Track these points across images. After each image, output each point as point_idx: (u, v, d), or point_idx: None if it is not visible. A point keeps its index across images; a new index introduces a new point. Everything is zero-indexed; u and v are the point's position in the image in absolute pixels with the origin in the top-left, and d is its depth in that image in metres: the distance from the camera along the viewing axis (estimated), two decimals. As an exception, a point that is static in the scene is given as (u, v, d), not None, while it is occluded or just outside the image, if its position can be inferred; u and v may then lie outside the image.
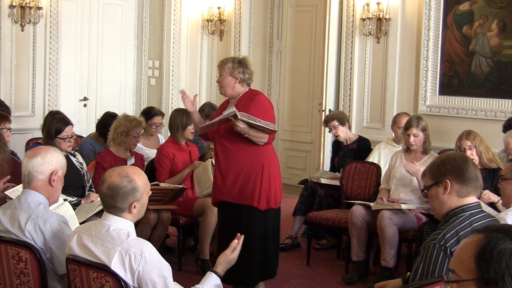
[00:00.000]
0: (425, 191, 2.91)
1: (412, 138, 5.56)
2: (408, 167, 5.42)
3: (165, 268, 2.84)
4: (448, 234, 2.73)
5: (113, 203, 2.89)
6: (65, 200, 4.14)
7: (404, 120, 6.03)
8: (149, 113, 6.51)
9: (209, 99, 8.89)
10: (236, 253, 3.21)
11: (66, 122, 5.23)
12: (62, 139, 5.12)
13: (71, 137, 5.18)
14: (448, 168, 2.81)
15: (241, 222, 4.73)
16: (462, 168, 2.80)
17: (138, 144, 6.02)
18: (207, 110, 6.71)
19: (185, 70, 8.98)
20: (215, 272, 3.12)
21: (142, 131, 5.87)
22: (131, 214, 2.93)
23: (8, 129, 5.46)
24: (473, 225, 2.74)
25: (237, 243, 3.22)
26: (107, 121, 6.28)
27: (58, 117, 5.35)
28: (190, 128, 5.92)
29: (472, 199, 2.83)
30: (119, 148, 5.68)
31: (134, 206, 2.91)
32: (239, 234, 3.29)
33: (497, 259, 1.66)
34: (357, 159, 6.40)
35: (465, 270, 1.70)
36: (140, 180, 2.94)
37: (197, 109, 7.01)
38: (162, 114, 6.74)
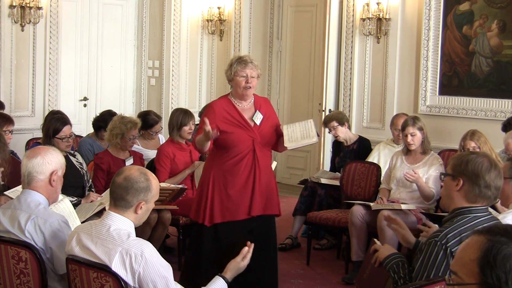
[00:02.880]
0: (442, 176, 2.96)
1: (409, 138, 5.55)
2: (407, 175, 5.38)
3: (166, 269, 2.84)
4: (451, 234, 2.74)
5: (124, 195, 2.90)
6: (64, 200, 4.14)
7: (401, 122, 6.03)
8: (147, 122, 6.42)
9: (209, 99, 8.89)
10: (246, 261, 3.21)
11: (64, 122, 5.22)
12: (60, 139, 5.12)
13: (69, 137, 5.17)
14: (467, 169, 2.82)
15: (269, 232, 4.61)
16: (479, 175, 2.80)
17: (137, 146, 6.01)
18: None
19: (185, 70, 8.98)
20: (223, 277, 3.12)
21: (138, 134, 5.85)
22: (135, 214, 2.94)
23: (10, 131, 5.45)
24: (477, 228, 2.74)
25: (247, 251, 3.22)
26: (105, 118, 6.29)
27: (56, 117, 5.34)
28: (186, 128, 5.91)
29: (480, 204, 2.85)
30: (117, 148, 5.68)
31: (141, 207, 2.93)
32: (249, 243, 3.27)
33: (501, 264, 1.65)
34: (358, 160, 6.40)
35: (467, 273, 1.70)
36: (154, 183, 2.98)
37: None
38: (160, 118, 6.72)
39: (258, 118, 4.55)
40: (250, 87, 4.50)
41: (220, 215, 4.48)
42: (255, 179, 4.47)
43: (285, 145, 4.45)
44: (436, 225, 3.23)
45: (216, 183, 4.49)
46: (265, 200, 4.54)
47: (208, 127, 4.18)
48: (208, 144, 4.41)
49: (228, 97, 4.62)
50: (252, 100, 4.63)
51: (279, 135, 4.64)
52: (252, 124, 4.54)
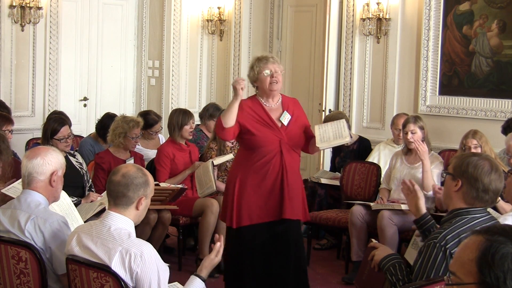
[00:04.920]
0: (445, 174, 2.97)
1: (410, 135, 5.54)
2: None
3: (162, 271, 2.86)
4: (450, 236, 2.74)
5: (125, 192, 2.90)
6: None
7: (402, 121, 6.02)
8: (147, 122, 6.40)
9: (209, 99, 8.90)
10: (219, 256, 3.17)
11: (61, 122, 5.21)
12: (58, 140, 5.11)
13: (67, 138, 5.16)
14: (467, 171, 2.82)
15: (296, 236, 4.53)
16: (477, 179, 2.80)
17: (137, 146, 6.01)
18: (212, 110, 6.73)
19: (185, 70, 8.98)
20: (199, 276, 3.09)
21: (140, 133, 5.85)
22: (136, 211, 2.95)
23: (10, 131, 5.46)
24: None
25: (220, 246, 3.17)
26: (106, 122, 6.28)
27: (54, 118, 5.35)
28: (188, 128, 5.91)
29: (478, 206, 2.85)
30: (118, 148, 5.68)
31: (141, 203, 2.95)
32: (217, 235, 3.25)
33: (499, 264, 1.65)
34: (358, 160, 6.40)
35: (466, 273, 1.70)
36: (151, 179, 3.02)
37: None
38: (160, 118, 6.72)
39: (286, 118, 4.48)
40: (276, 82, 4.45)
41: (248, 218, 4.42)
42: (283, 181, 4.40)
43: (317, 145, 4.39)
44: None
45: (242, 185, 4.42)
46: (293, 204, 4.45)
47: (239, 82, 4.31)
48: (235, 115, 4.35)
49: (256, 96, 4.58)
50: (280, 100, 4.57)
51: (308, 137, 4.57)
52: (279, 124, 4.47)
